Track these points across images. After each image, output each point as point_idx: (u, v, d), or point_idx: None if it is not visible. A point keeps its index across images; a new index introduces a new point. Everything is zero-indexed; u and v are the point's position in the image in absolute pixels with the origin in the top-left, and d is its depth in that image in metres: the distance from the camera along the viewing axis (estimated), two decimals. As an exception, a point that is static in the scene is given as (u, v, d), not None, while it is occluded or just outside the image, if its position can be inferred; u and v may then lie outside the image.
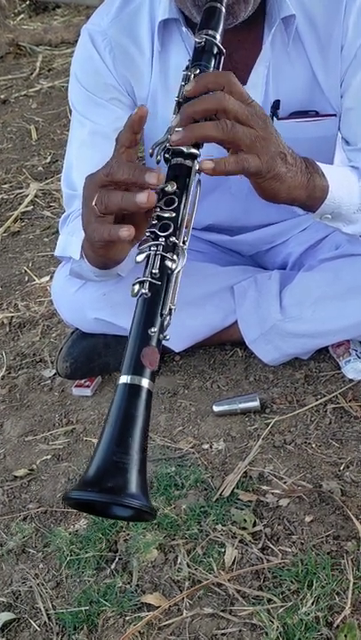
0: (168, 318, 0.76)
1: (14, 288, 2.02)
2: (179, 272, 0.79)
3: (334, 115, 1.23)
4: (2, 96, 3.64)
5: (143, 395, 0.71)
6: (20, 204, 2.51)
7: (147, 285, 0.76)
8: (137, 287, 0.77)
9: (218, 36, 0.92)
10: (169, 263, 0.78)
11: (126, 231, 0.79)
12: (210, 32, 0.92)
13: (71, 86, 1.28)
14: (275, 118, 1.22)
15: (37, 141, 3.04)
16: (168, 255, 0.78)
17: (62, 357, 1.49)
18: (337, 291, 1.35)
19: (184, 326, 1.45)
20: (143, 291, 0.76)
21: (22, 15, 4.83)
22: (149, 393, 0.72)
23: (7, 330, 1.82)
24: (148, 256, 0.78)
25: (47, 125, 3.19)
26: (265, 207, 1.42)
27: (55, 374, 1.58)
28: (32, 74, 3.85)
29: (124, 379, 0.72)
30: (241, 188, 1.34)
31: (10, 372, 1.65)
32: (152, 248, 0.78)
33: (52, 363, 1.63)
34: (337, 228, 1.12)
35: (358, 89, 1.17)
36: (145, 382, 0.72)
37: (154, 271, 0.77)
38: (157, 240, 0.79)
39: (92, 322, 1.43)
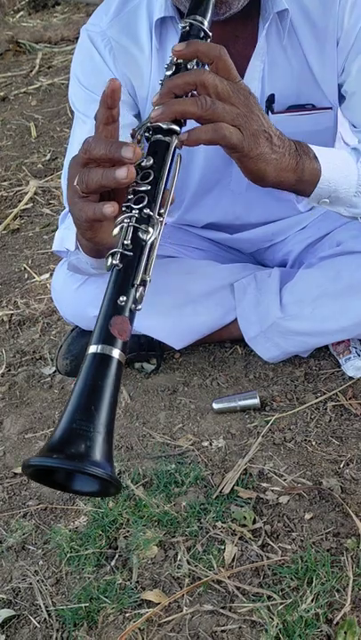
0: (141, 289, 0.75)
1: (14, 285, 2.02)
2: (153, 243, 0.78)
3: (330, 108, 1.23)
4: (1, 93, 3.63)
5: (112, 365, 0.69)
6: (19, 201, 2.51)
7: (118, 256, 0.76)
8: (110, 259, 0.76)
9: (205, 22, 0.90)
10: (142, 235, 0.77)
11: (110, 207, 0.78)
12: (197, 17, 0.90)
13: (72, 87, 1.28)
14: (270, 112, 1.22)
15: (37, 139, 3.03)
16: (141, 227, 0.77)
17: (62, 355, 1.50)
18: (337, 289, 1.35)
19: (184, 324, 1.45)
20: (115, 262, 0.75)
21: (22, 12, 4.82)
22: (119, 364, 0.70)
23: (7, 327, 1.82)
24: (121, 228, 0.77)
25: (47, 123, 3.18)
26: (265, 205, 1.42)
27: (55, 372, 1.58)
28: (31, 71, 3.84)
29: (93, 348, 0.70)
30: (241, 185, 1.34)
31: (10, 370, 1.65)
32: (125, 220, 0.78)
33: (51, 360, 1.63)
34: (338, 213, 1.11)
35: (359, 73, 1.17)
36: (115, 352, 0.70)
37: (126, 242, 0.76)
38: (131, 212, 0.78)
39: (92, 319, 1.40)
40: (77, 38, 1.28)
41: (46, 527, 1.20)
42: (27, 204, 2.48)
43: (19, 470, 1.34)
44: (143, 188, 0.79)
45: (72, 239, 1.11)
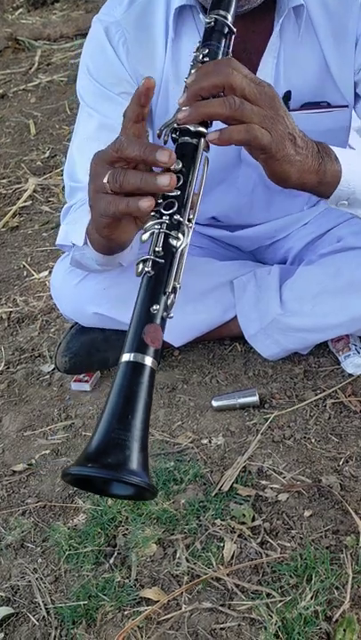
0: (172, 297, 0.75)
1: (13, 283, 2.02)
2: (183, 250, 0.78)
3: (346, 106, 1.22)
4: (0, 91, 3.62)
5: (146, 372, 0.70)
6: (18, 198, 2.51)
7: (150, 264, 0.76)
8: (140, 266, 0.76)
9: (229, 17, 0.90)
10: (173, 241, 0.77)
11: (147, 201, 0.77)
12: (221, 12, 0.89)
13: (81, 78, 1.25)
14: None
15: (36, 136, 3.03)
16: (172, 233, 0.77)
17: (61, 352, 1.49)
18: (337, 285, 1.34)
19: (183, 321, 1.45)
20: (146, 269, 0.75)
21: (21, 9, 4.81)
22: (152, 371, 0.71)
23: (6, 325, 1.81)
24: (152, 234, 0.77)
25: (46, 120, 3.18)
26: (270, 204, 1.42)
27: (54, 369, 1.58)
28: (31, 68, 3.84)
29: (127, 356, 0.71)
30: (247, 182, 1.34)
31: (8, 367, 1.65)
32: (156, 226, 0.77)
33: (50, 358, 1.63)
34: (355, 215, 1.10)
35: None
36: (148, 360, 0.71)
37: (157, 249, 0.76)
38: (161, 218, 0.78)
39: (92, 316, 1.43)
40: (77, 35, 1.28)
41: (45, 525, 1.19)
42: (26, 201, 2.48)
43: (18, 468, 1.33)
44: (173, 194, 0.79)
45: (79, 233, 1.09)
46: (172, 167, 0.80)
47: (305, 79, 1.19)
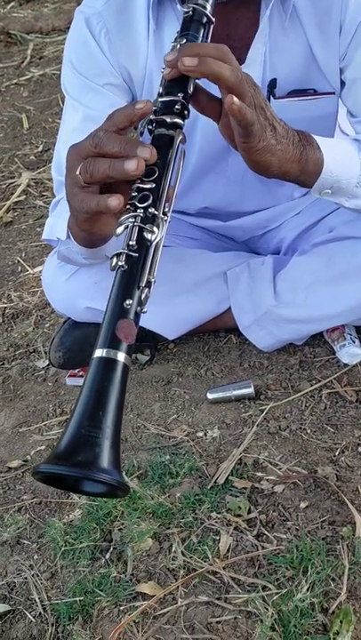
0: (147, 291, 0.74)
1: (7, 279, 2.01)
2: (158, 243, 0.76)
3: (333, 93, 1.21)
4: (-7, 85, 3.60)
5: (118, 368, 0.69)
6: (12, 193, 2.49)
7: (123, 258, 0.74)
8: (114, 260, 0.75)
9: (208, 6, 0.88)
10: (147, 235, 0.75)
11: (115, 200, 0.76)
12: (199, 1, 0.88)
13: (65, 71, 1.25)
14: (271, 97, 1.20)
15: (29, 130, 3.01)
16: (147, 227, 0.76)
17: (55, 347, 1.48)
18: (330, 275, 1.33)
19: (177, 313, 1.44)
20: (120, 263, 0.74)
21: (12, 3, 4.77)
22: (125, 367, 0.70)
23: (0, 321, 1.80)
24: (126, 228, 0.76)
25: (38, 114, 3.16)
26: (260, 192, 1.40)
27: (49, 365, 1.57)
28: (23, 62, 3.81)
29: (99, 352, 0.70)
30: (237, 172, 1.32)
31: (3, 363, 1.64)
32: (130, 220, 0.76)
33: (45, 353, 1.62)
34: (339, 204, 1.10)
35: None
36: (120, 356, 0.69)
37: (131, 243, 0.75)
38: (136, 212, 0.77)
39: (84, 311, 1.42)
40: (69, 28, 1.25)
41: (41, 521, 1.19)
42: (19, 196, 2.46)
43: (13, 464, 1.33)
44: (148, 186, 0.78)
45: (62, 227, 1.09)
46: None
47: (291, 67, 1.17)
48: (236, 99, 0.81)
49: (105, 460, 0.65)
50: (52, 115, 3.10)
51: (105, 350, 0.70)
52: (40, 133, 2.95)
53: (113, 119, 0.80)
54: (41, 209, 2.37)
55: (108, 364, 0.69)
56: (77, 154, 0.81)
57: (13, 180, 2.58)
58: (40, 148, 2.80)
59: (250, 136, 0.86)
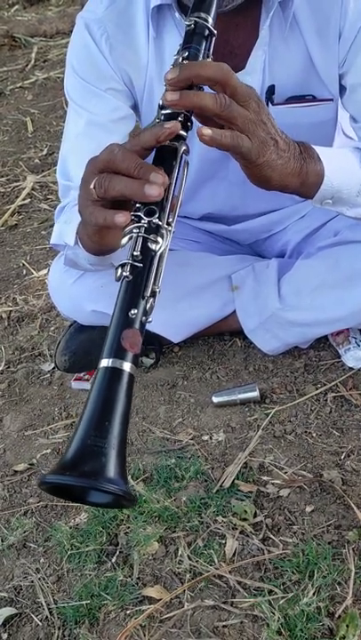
0: (151, 301, 0.74)
1: (12, 282, 2.01)
2: (162, 254, 0.77)
3: (331, 99, 1.21)
4: (-3, 89, 3.61)
5: (124, 378, 0.69)
6: (17, 197, 2.50)
7: (128, 268, 0.75)
8: (119, 270, 0.75)
9: (210, 19, 0.89)
10: (151, 245, 0.76)
11: (122, 217, 0.76)
12: (201, 14, 0.88)
13: (67, 76, 1.26)
14: (270, 104, 1.20)
15: (33, 133, 3.02)
16: (151, 237, 0.76)
17: (60, 351, 1.49)
18: (336, 278, 1.33)
19: (182, 317, 1.44)
20: (125, 274, 0.75)
21: (16, 6, 4.79)
22: (131, 377, 0.70)
23: (6, 324, 1.81)
24: (130, 238, 0.77)
25: (43, 117, 3.17)
26: (263, 196, 1.40)
27: (54, 368, 1.57)
28: (27, 65, 3.82)
29: (105, 362, 0.70)
30: (238, 176, 1.32)
31: (9, 367, 1.64)
32: (134, 230, 0.77)
33: (50, 356, 1.63)
34: (340, 213, 1.10)
35: None
36: (126, 366, 0.70)
37: (135, 253, 0.75)
38: (140, 222, 0.77)
39: (90, 314, 1.42)
40: (73, 32, 1.26)
41: (47, 525, 1.19)
42: (24, 199, 2.47)
43: (19, 468, 1.33)
44: None
45: (71, 234, 1.09)
46: None
47: (289, 73, 1.18)
48: (206, 129, 0.81)
49: (111, 470, 0.65)
50: (56, 118, 3.11)
51: (111, 360, 0.70)
52: (44, 137, 2.96)
53: (140, 138, 0.81)
54: (46, 212, 2.37)
55: (114, 373, 0.70)
56: (94, 166, 0.81)
57: (18, 184, 2.59)
58: (45, 152, 2.81)
59: (243, 155, 0.86)
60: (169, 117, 0.84)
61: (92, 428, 0.67)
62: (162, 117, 0.84)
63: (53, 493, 0.71)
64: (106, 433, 0.66)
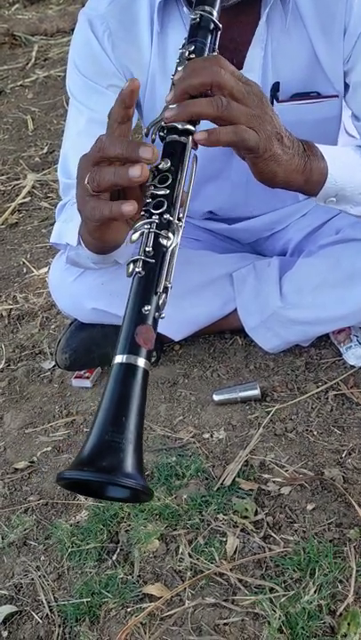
0: (164, 296, 0.74)
1: (13, 280, 2.01)
2: (174, 249, 0.77)
3: (336, 96, 1.21)
4: (-2, 87, 3.61)
5: (139, 374, 0.70)
6: (17, 195, 2.50)
7: (140, 264, 0.75)
8: (131, 266, 0.76)
9: (215, 12, 0.89)
10: (163, 241, 0.76)
11: (129, 205, 0.76)
12: (206, 8, 0.89)
13: (69, 73, 1.25)
14: (275, 101, 1.20)
15: (34, 132, 3.01)
16: (162, 233, 0.76)
17: (61, 349, 1.49)
18: (337, 277, 1.33)
19: (183, 315, 1.44)
20: (137, 269, 0.75)
21: (17, 5, 4.79)
22: (145, 372, 0.71)
23: (6, 322, 1.81)
24: (142, 234, 0.77)
25: (43, 116, 3.16)
26: (265, 195, 1.40)
27: (54, 366, 1.57)
28: (28, 64, 3.82)
29: (119, 358, 0.71)
30: (241, 176, 1.32)
31: (9, 365, 1.64)
32: (145, 226, 0.77)
33: (51, 354, 1.62)
34: (344, 211, 1.10)
35: None
36: (140, 362, 0.70)
37: (147, 249, 0.75)
38: (151, 218, 0.77)
39: (90, 312, 1.42)
40: (74, 30, 1.25)
41: (47, 522, 1.19)
42: (24, 197, 2.47)
43: (20, 466, 1.33)
44: (162, 192, 0.78)
45: (72, 233, 1.09)
46: (159, 166, 0.80)
47: (294, 70, 1.17)
48: (199, 135, 0.82)
49: (129, 464, 0.65)
50: (56, 116, 3.11)
51: (125, 356, 0.70)
52: (45, 135, 2.96)
53: (111, 115, 0.81)
54: (46, 210, 2.37)
55: (129, 369, 0.70)
56: (86, 162, 0.81)
57: (18, 182, 2.59)
58: (45, 150, 2.80)
59: (250, 149, 0.86)
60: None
61: (108, 423, 0.67)
62: (165, 115, 0.83)
63: (71, 489, 0.72)
64: (123, 428, 0.67)
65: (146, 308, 0.73)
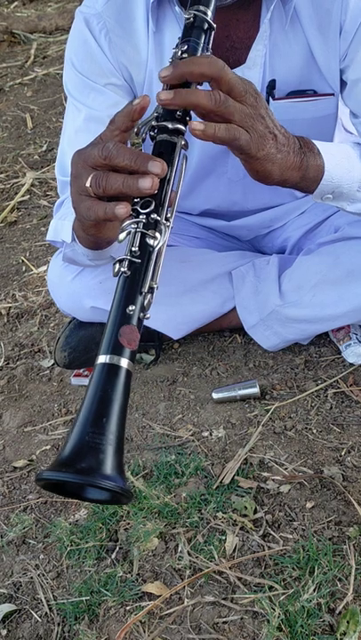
0: (149, 297, 0.74)
1: (12, 278, 2.01)
2: (161, 249, 0.77)
3: (332, 94, 1.21)
4: (-4, 85, 3.60)
5: (121, 375, 0.70)
6: (16, 193, 2.49)
7: (126, 264, 0.75)
8: (117, 266, 0.75)
9: (209, 12, 0.88)
10: (150, 240, 0.76)
11: (123, 208, 0.76)
12: (200, 8, 0.88)
13: (66, 71, 1.25)
14: (270, 99, 1.20)
15: (33, 130, 3.01)
16: (149, 232, 0.76)
17: (60, 347, 1.48)
18: (336, 275, 1.33)
19: (182, 313, 1.44)
20: (123, 269, 0.75)
21: (16, 2, 4.77)
22: (128, 373, 0.70)
23: (5, 320, 1.80)
24: (128, 234, 0.76)
25: (42, 113, 3.16)
26: (263, 191, 1.40)
27: (54, 364, 1.57)
28: (26, 62, 3.81)
29: (102, 358, 0.70)
30: (238, 172, 1.32)
31: (8, 363, 1.64)
32: (132, 226, 0.77)
33: (50, 353, 1.62)
34: (341, 208, 1.10)
35: None
36: (124, 362, 0.70)
37: (133, 249, 0.75)
38: (138, 217, 0.77)
39: (89, 310, 1.42)
40: (72, 25, 1.25)
41: (46, 521, 1.19)
42: (23, 195, 2.47)
43: (19, 464, 1.33)
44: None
45: (68, 230, 1.09)
46: None
47: (290, 68, 1.17)
48: (198, 124, 0.81)
49: (108, 466, 0.65)
50: (55, 114, 3.10)
51: (108, 356, 0.70)
52: (44, 133, 2.95)
53: (115, 123, 0.81)
54: (45, 209, 2.37)
55: (112, 369, 0.70)
56: (84, 161, 0.80)
57: (17, 180, 2.58)
58: (44, 148, 2.80)
59: (242, 149, 0.86)
60: (168, 112, 0.83)
61: (89, 424, 0.67)
62: (160, 111, 0.83)
63: (51, 490, 0.71)
64: (103, 429, 0.66)
65: (130, 308, 0.73)
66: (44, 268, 2.01)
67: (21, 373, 1.58)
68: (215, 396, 1.36)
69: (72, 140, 1.23)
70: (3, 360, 1.64)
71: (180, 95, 0.80)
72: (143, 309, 0.74)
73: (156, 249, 0.76)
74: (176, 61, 0.83)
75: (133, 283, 0.74)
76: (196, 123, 0.81)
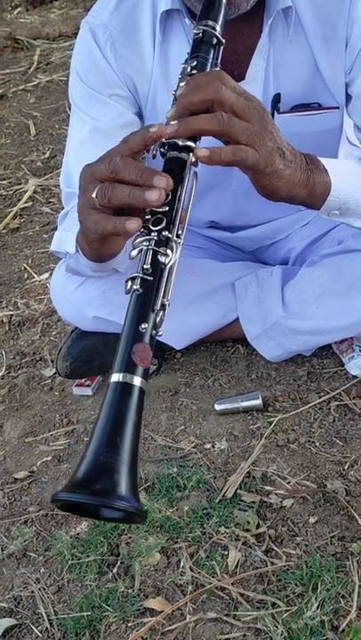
0: (161, 314, 0.74)
1: (14, 286, 2.00)
2: (172, 267, 0.77)
3: (337, 107, 1.21)
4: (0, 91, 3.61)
5: (135, 393, 0.70)
6: (18, 200, 2.49)
7: (138, 281, 0.75)
8: (129, 283, 0.76)
9: (218, 27, 0.89)
10: (161, 258, 0.76)
11: (134, 223, 0.76)
12: (209, 22, 0.89)
13: (72, 82, 1.25)
14: (275, 112, 1.19)
15: (36, 136, 3.01)
16: (160, 250, 0.76)
17: (62, 357, 1.48)
18: (340, 287, 1.32)
19: (185, 323, 1.43)
20: (135, 287, 0.75)
21: (19, 9, 4.79)
22: (141, 391, 0.70)
23: (7, 328, 1.80)
24: (140, 251, 0.76)
25: (46, 120, 3.16)
26: (267, 204, 1.39)
27: (55, 373, 1.56)
28: (30, 68, 3.82)
29: (116, 377, 0.70)
30: (242, 185, 1.32)
31: (9, 372, 1.63)
32: (144, 243, 0.77)
33: (52, 362, 1.62)
34: (347, 224, 1.10)
35: None
36: (137, 380, 0.70)
37: (145, 266, 0.75)
38: (150, 235, 0.77)
39: (92, 320, 1.41)
40: (76, 34, 1.25)
41: (47, 534, 1.18)
42: (26, 202, 2.47)
43: (19, 475, 1.32)
44: (161, 209, 0.78)
45: (71, 242, 1.09)
46: None
47: (295, 81, 1.17)
48: (202, 150, 0.81)
49: (123, 487, 0.65)
50: (58, 121, 3.10)
51: (121, 375, 0.70)
52: (47, 140, 2.96)
53: (127, 143, 0.81)
54: (47, 215, 2.37)
55: (125, 388, 0.70)
56: (92, 175, 0.80)
57: (20, 187, 2.58)
58: (47, 155, 2.80)
59: (250, 167, 0.86)
60: None
61: (103, 444, 0.67)
62: (166, 131, 0.83)
63: (66, 510, 0.72)
64: (118, 449, 0.66)
65: (143, 326, 0.73)
66: (47, 275, 2.00)
67: (23, 382, 1.58)
68: (218, 407, 1.35)
69: (77, 151, 1.23)
70: (4, 369, 1.64)
71: (183, 125, 0.81)
72: (155, 327, 0.74)
73: (168, 266, 0.76)
74: (177, 100, 0.83)
75: (146, 300, 0.74)
76: (202, 149, 0.82)
